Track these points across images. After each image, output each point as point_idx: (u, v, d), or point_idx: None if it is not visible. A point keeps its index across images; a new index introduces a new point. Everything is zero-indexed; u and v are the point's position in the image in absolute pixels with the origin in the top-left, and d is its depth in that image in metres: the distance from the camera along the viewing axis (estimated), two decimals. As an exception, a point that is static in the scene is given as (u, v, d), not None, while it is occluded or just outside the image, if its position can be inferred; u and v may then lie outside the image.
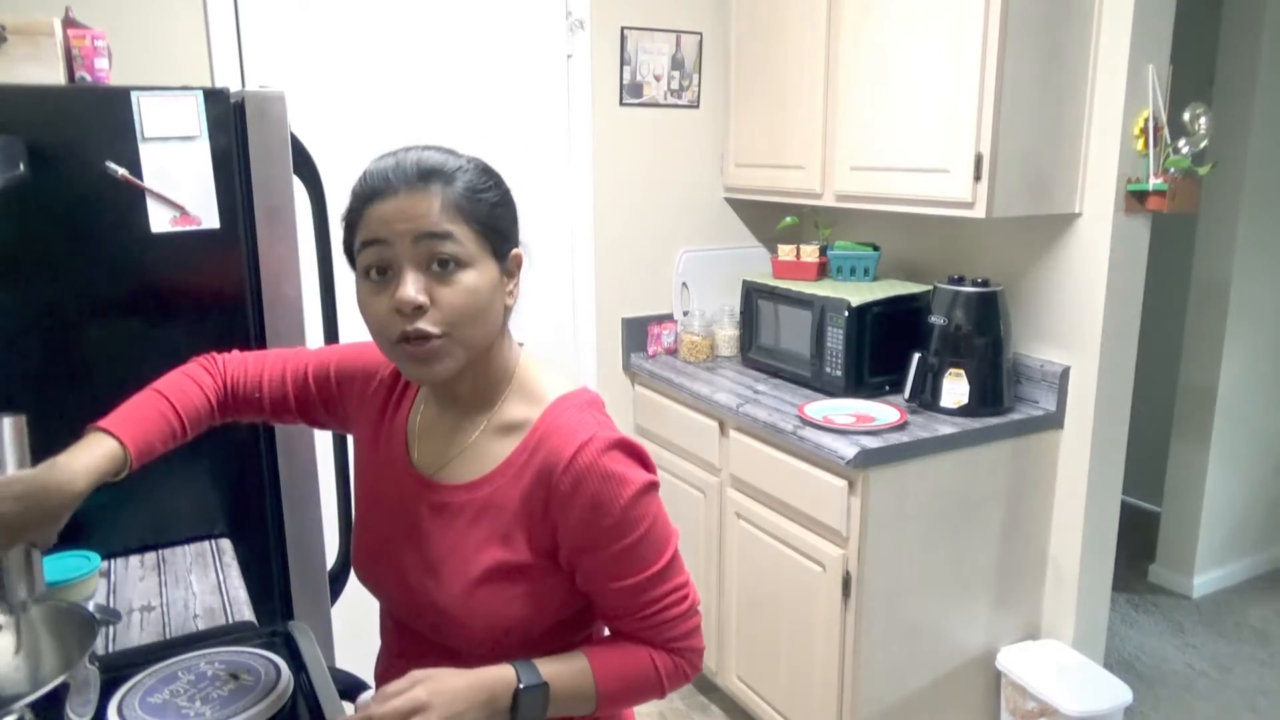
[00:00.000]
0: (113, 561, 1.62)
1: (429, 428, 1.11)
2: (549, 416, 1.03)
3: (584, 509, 0.98)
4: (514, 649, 1.02)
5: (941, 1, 2.16)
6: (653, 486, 1.03)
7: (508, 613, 1.02)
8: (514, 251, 1.03)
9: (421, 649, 1.08)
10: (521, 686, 0.97)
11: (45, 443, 1.37)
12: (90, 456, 1.06)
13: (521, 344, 1.11)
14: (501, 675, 0.98)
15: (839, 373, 2.45)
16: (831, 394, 2.48)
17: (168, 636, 1.36)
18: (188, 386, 1.21)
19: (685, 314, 3.04)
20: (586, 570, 1.02)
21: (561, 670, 1.00)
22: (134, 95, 1.58)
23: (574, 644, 1.06)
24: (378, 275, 0.96)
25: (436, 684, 0.94)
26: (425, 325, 0.94)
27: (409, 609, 1.10)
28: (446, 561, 1.04)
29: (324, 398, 1.23)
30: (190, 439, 1.19)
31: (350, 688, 1.35)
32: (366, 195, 0.97)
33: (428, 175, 0.96)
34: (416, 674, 0.96)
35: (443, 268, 0.94)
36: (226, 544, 1.71)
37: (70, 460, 1.04)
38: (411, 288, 0.93)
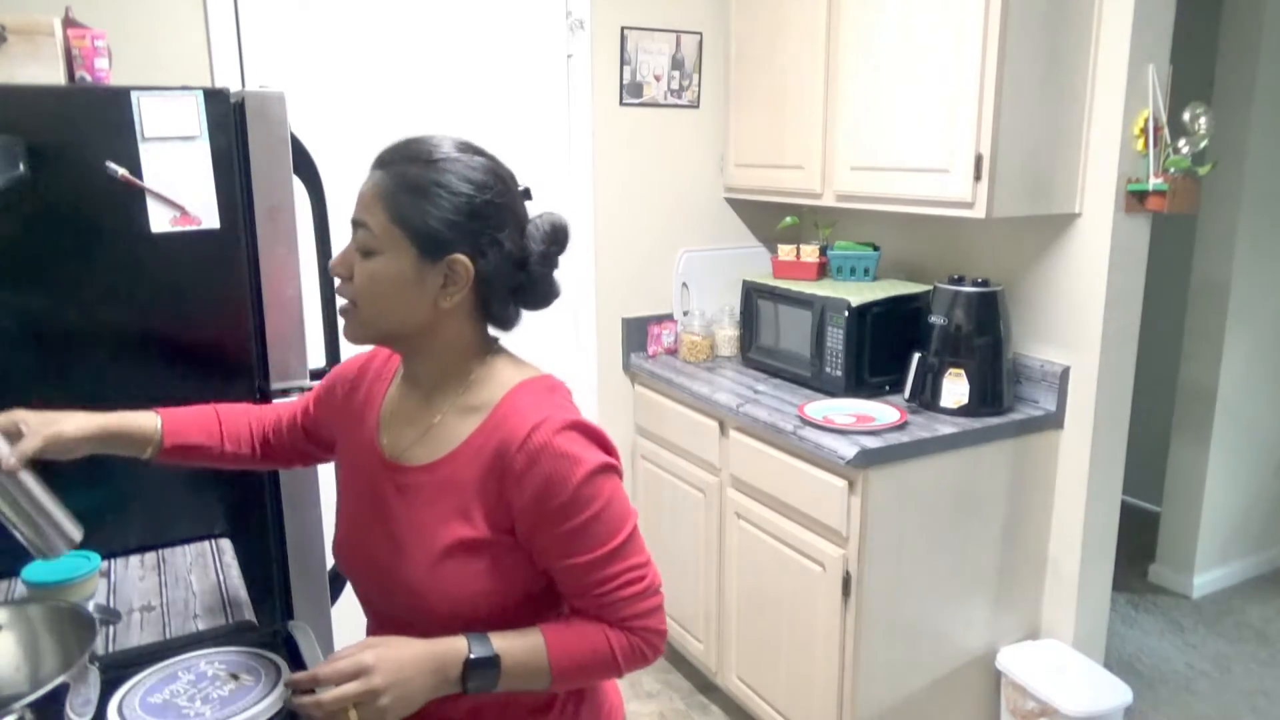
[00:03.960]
0: (113, 561, 1.62)
1: (398, 414, 1.15)
2: (509, 399, 1.07)
3: (537, 487, 1.01)
4: (482, 627, 1.04)
5: (942, 2, 2.16)
6: (608, 468, 1.05)
7: (471, 588, 1.05)
8: (451, 257, 1.02)
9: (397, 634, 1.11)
10: (472, 657, 1.00)
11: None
12: (124, 415, 1.23)
13: (497, 337, 1.15)
14: (452, 646, 1.00)
15: (839, 373, 2.45)
16: (831, 394, 2.48)
17: (168, 636, 1.35)
18: (237, 409, 1.37)
19: (685, 314, 3.04)
20: (541, 547, 1.05)
21: (515, 645, 1.03)
22: (134, 95, 1.58)
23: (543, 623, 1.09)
24: None
25: (384, 650, 0.98)
26: (342, 292, 1.07)
27: (380, 591, 1.13)
28: (411, 540, 1.07)
29: (318, 412, 1.32)
30: (230, 452, 1.33)
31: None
32: None
33: (382, 161, 1.05)
34: (368, 640, 1.00)
35: (360, 248, 1.04)
36: (226, 544, 1.71)
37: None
38: (336, 258, 1.06)
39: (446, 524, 1.05)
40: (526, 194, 1.10)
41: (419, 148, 1.04)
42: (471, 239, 1.02)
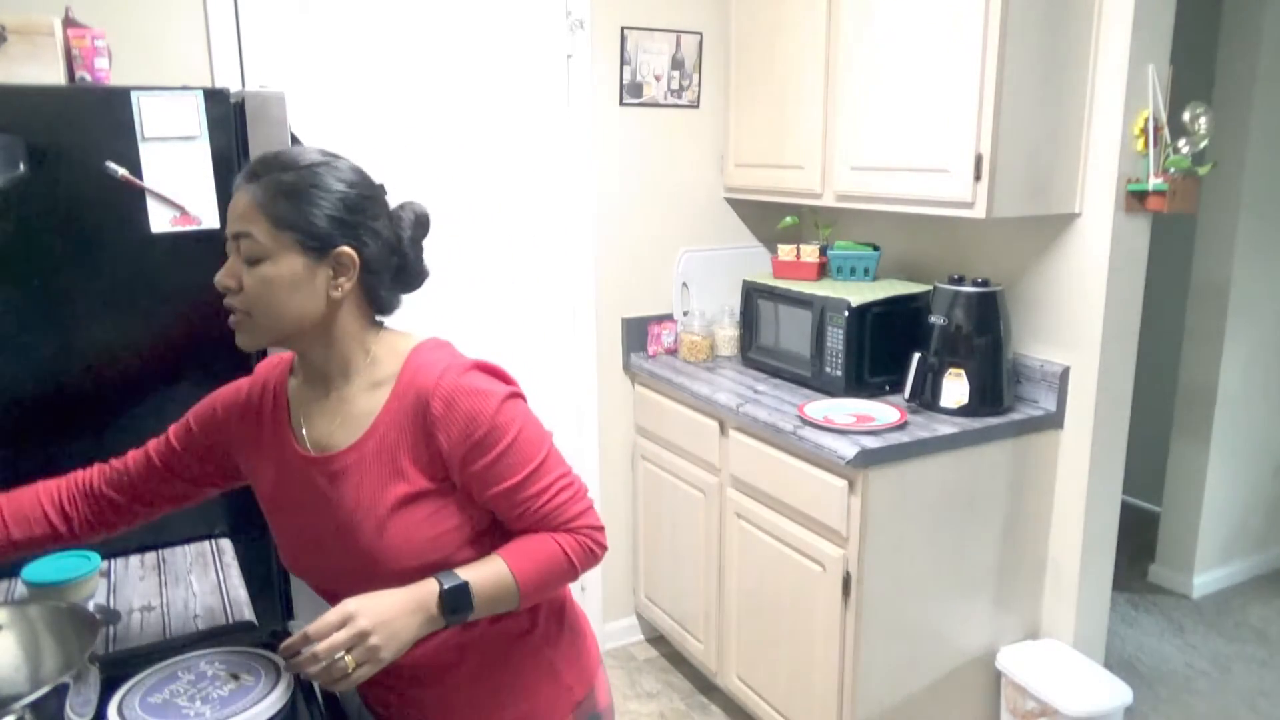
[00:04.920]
0: (113, 561, 1.62)
1: (309, 411, 1.19)
2: (410, 363, 1.15)
3: (460, 426, 1.10)
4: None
5: (941, 2, 2.16)
6: (515, 395, 1.16)
7: (420, 536, 1.12)
8: (337, 250, 1.10)
9: None
10: (445, 588, 1.08)
11: (45, 441, 1.37)
12: None
13: (381, 320, 1.21)
14: (425, 585, 1.09)
15: (839, 373, 2.45)
16: (831, 394, 2.48)
17: (168, 636, 1.36)
18: (28, 488, 1.28)
19: (685, 314, 3.04)
20: (475, 481, 1.12)
21: (480, 571, 1.12)
22: (134, 95, 1.58)
23: None
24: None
25: (365, 599, 1.06)
26: (232, 302, 1.11)
27: (338, 577, 1.16)
28: (356, 515, 1.12)
29: (191, 448, 1.29)
30: (20, 539, 1.24)
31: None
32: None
33: (251, 175, 1.09)
34: (348, 598, 1.05)
35: (246, 258, 1.09)
36: (226, 544, 1.71)
37: None
38: (223, 272, 1.11)
39: (385, 488, 1.12)
40: (383, 189, 1.19)
41: (287, 158, 1.10)
42: (351, 231, 1.10)
